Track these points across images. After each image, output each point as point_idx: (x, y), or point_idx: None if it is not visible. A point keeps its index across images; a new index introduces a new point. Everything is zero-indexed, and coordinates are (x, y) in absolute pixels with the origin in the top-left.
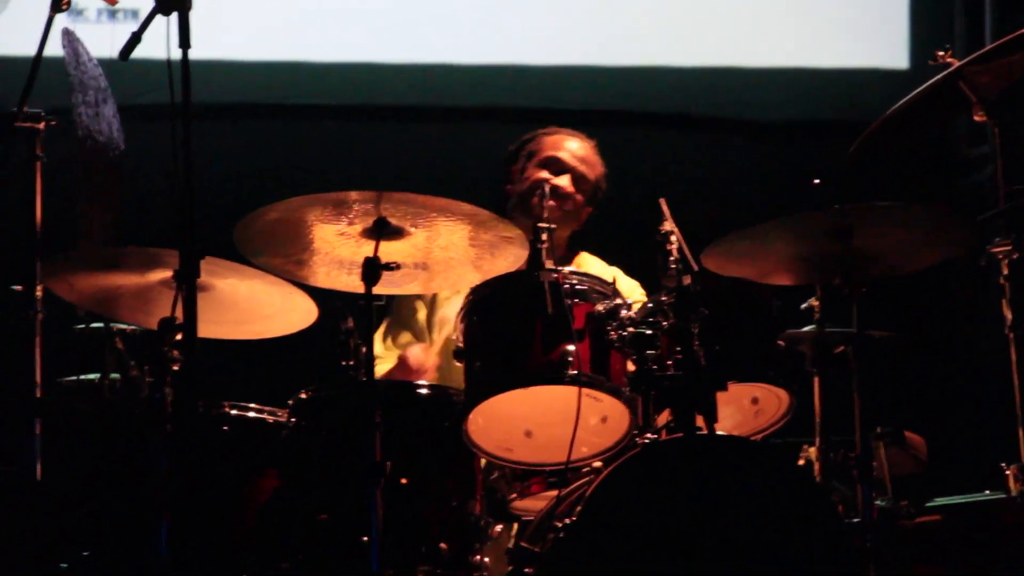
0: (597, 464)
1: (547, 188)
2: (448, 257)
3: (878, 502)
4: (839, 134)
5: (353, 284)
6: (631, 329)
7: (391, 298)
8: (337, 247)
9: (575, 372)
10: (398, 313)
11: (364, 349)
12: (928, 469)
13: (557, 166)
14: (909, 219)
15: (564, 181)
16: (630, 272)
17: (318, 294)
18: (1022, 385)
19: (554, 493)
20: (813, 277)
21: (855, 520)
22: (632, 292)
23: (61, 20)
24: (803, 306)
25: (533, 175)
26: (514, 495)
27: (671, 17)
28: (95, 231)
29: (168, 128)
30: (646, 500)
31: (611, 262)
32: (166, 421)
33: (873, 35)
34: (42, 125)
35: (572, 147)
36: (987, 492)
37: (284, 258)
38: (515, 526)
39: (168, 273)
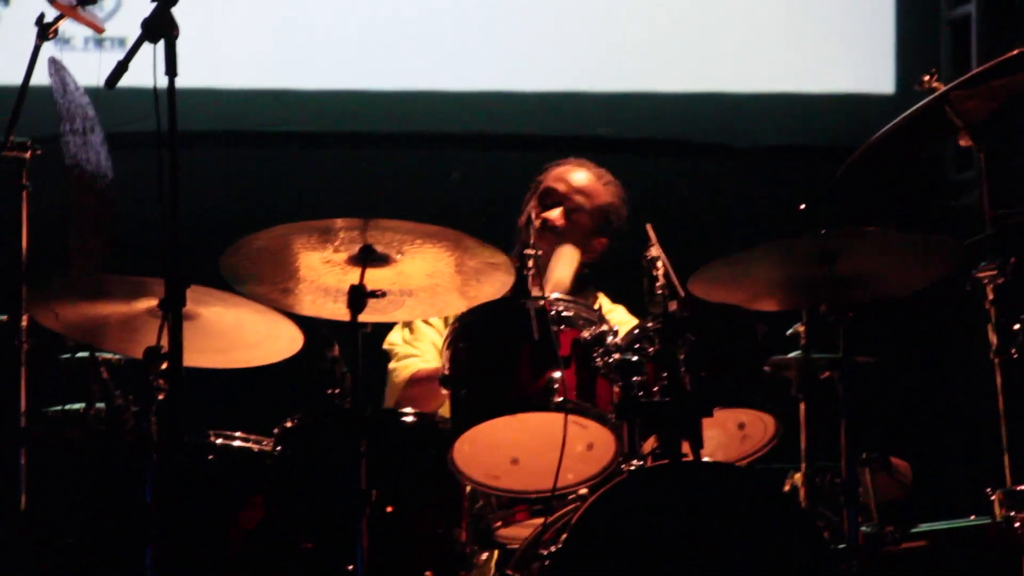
0: (583, 491)
1: (535, 223)
2: (434, 284)
3: (864, 527)
4: (825, 159)
5: (339, 312)
6: (617, 355)
7: None
8: (323, 275)
9: (561, 399)
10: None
11: (350, 377)
12: (914, 494)
13: (552, 198)
14: (895, 244)
15: (555, 214)
16: (616, 298)
17: (304, 322)
18: (1007, 410)
19: (540, 521)
20: (799, 302)
21: (841, 546)
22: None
23: (48, 49)
24: (789, 332)
25: (530, 209)
26: (499, 523)
27: (657, 43)
28: (84, 260)
29: (155, 156)
30: (632, 527)
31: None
32: (151, 450)
33: (859, 60)
34: (28, 154)
35: (572, 178)
36: (973, 517)
37: (270, 286)
38: (501, 554)
39: (154, 302)
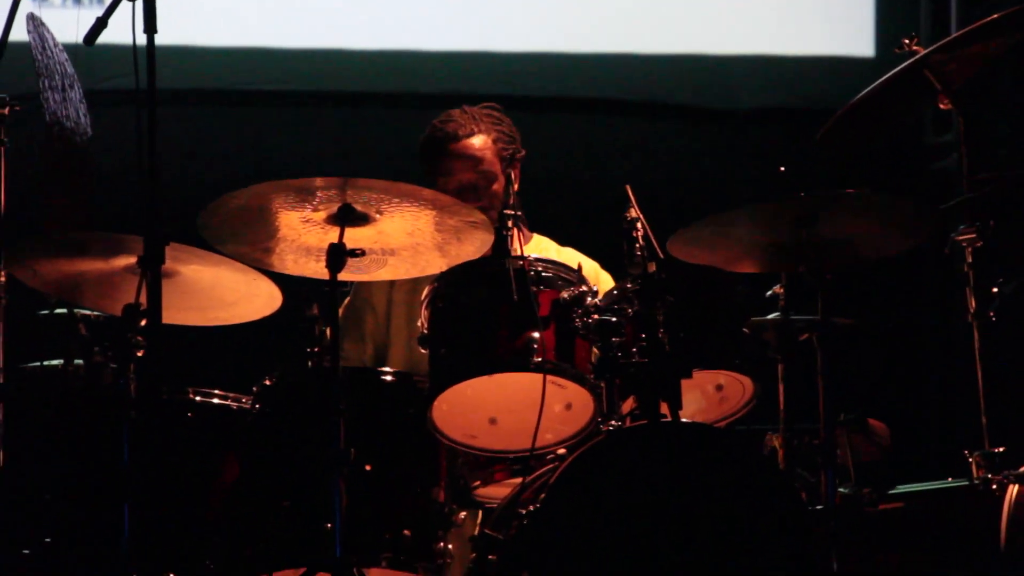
0: (561, 451)
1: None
2: (414, 243)
3: (841, 489)
4: (805, 122)
5: (321, 271)
6: (596, 316)
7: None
8: (303, 234)
9: (540, 359)
10: (356, 295)
11: (329, 335)
12: (891, 456)
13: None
14: (874, 207)
15: (473, 194)
16: (595, 259)
17: (283, 280)
18: (985, 372)
19: (518, 480)
20: (778, 265)
21: (819, 507)
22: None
23: (27, 5)
24: (768, 293)
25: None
26: (478, 482)
27: (637, 5)
28: (61, 217)
29: (133, 113)
30: (610, 487)
31: (574, 247)
32: (130, 407)
33: (839, 23)
34: (7, 110)
35: (465, 158)
36: (950, 479)
37: (250, 246)
38: (479, 513)
39: (132, 259)
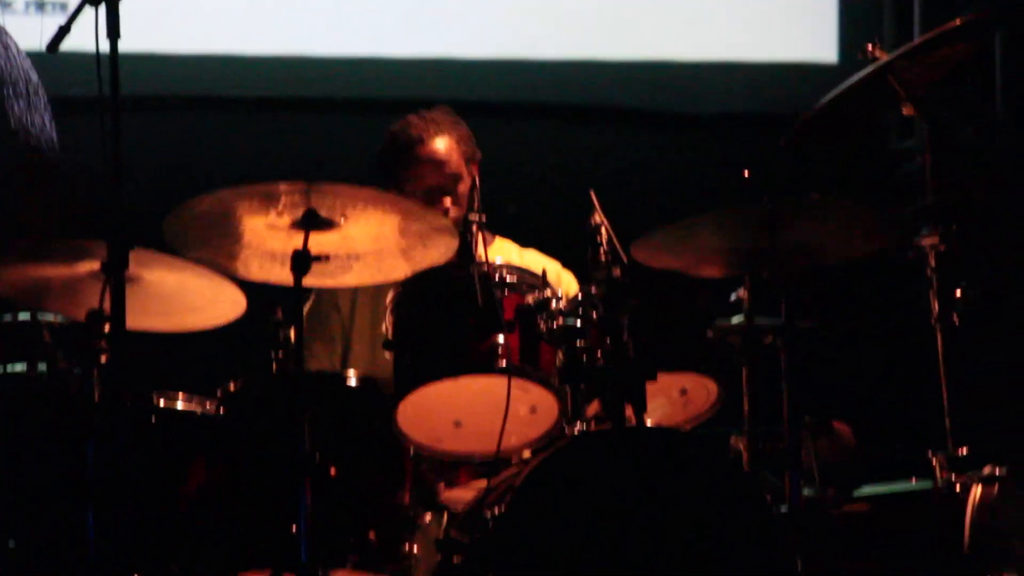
0: (526, 454)
1: (449, 212)
2: (380, 248)
3: (806, 491)
4: (769, 127)
5: (287, 277)
6: (560, 320)
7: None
8: (268, 239)
9: (505, 363)
10: (320, 297)
11: (293, 339)
12: (856, 458)
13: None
14: (838, 212)
15: (448, 202)
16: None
17: (248, 285)
18: (948, 375)
19: (483, 483)
20: (742, 269)
21: (783, 509)
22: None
23: None
24: (732, 297)
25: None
26: (443, 485)
27: (601, 12)
28: (27, 224)
29: (98, 120)
30: (575, 490)
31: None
32: (94, 413)
33: (802, 29)
34: None
35: (432, 161)
36: (914, 481)
37: (215, 251)
38: (444, 516)
39: (96, 264)
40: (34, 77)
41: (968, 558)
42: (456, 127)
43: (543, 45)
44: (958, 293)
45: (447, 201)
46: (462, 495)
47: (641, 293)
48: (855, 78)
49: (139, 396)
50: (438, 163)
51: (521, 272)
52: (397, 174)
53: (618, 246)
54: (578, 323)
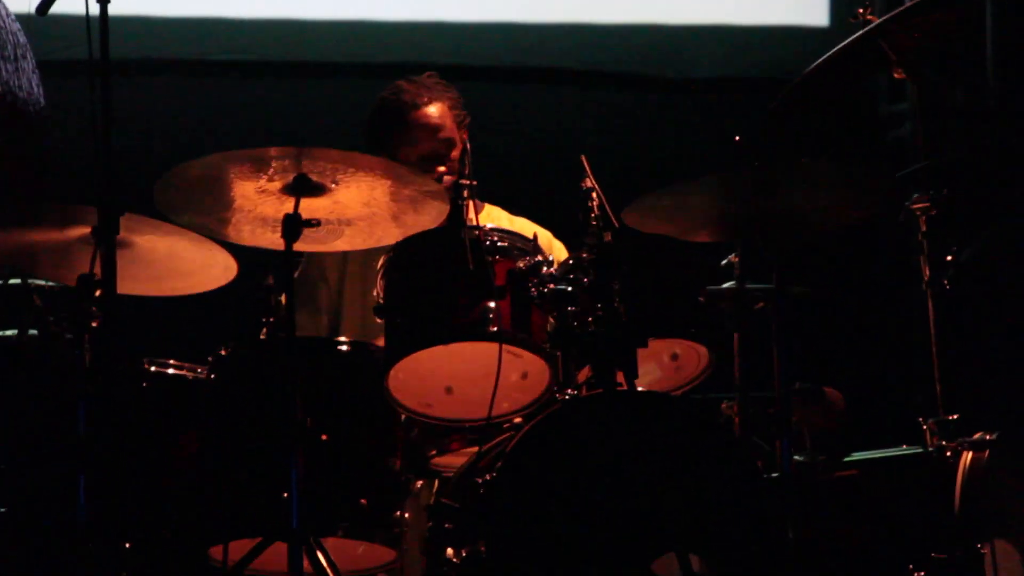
0: (518, 420)
1: (444, 180)
2: (371, 212)
3: (796, 457)
4: (760, 91)
5: (279, 242)
6: (552, 285)
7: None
8: (259, 204)
9: (496, 328)
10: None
11: (284, 305)
12: (846, 424)
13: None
14: (829, 176)
15: (443, 169)
16: (549, 230)
17: (240, 251)
18: (939, 340)
19: (474, 449)
20: (733, 234)
21: (774, 475)
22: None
23: None
24: (723, 262)
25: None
26: (434, 451)
27: None
28: (14, 188)
29: (87, 84)
30: (566, 456)
31: (526, 218)
32: (85, 378)
33: None
34: None
35: (427, 127)
36: (904, 447)
37: (206, 216)
38: (436, 482)
39: (87, 229)
40: (22, 39)
41: (959, 523)
42: (447, 92)
43: (533, 9)
44: (949, 258)
45: (441, 169)
46: (453, 461)
47: (632, 259)
48: (845, 42)
49: (130, 361)
50: (432, 129)
51: (512, 237)
52: (389, 140)
53: (609, 211)
54: (569, 288)
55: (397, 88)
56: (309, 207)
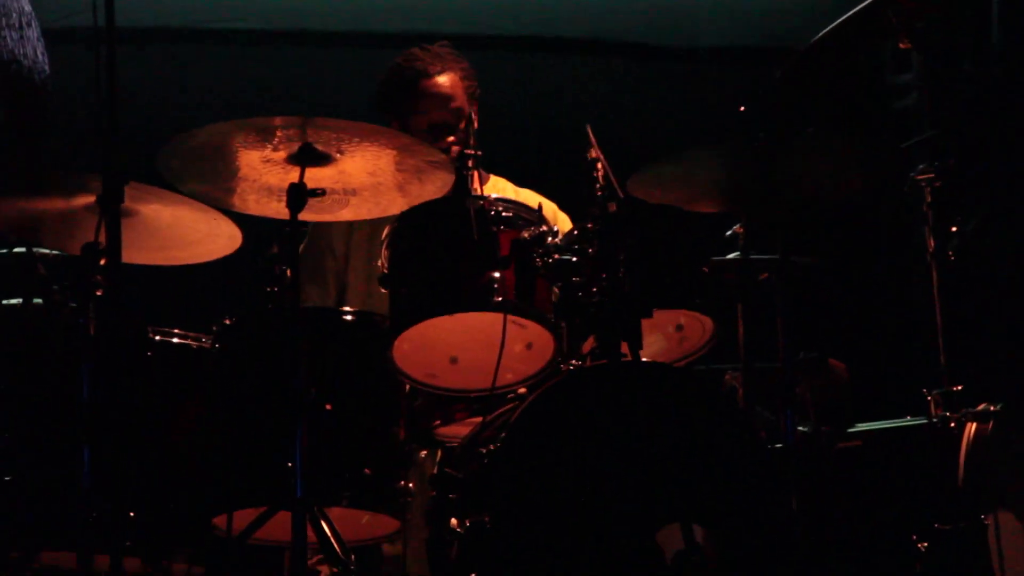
0: (522, 390)
1: (452, 152)
2: (376, 182)
3: (800, 428)
4: (765, 60)
5: (283, 211)
6: (556, 256)
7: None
8: (264, 174)
9: (500, 298)
10: (314, 238)
11: (289, 275)
12: (850, 395)
13: (440, 129)
14: (834, 146)
15: (452, 140)
16: (555, 199)
17: (245, 220)
18: (944, 311)
19: (478, 419)
20: (738, 204)
21: (778, 445)
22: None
23: None
24: (728, 233)
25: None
26: (438, 421)
27: None
28: (19, 156)
29: (92, 52)
30: (570, 426)
31: (532, 189)
32: (89, 346)
33: None
34: None
35: (438, 96)
36: (908, 418)
37: (211, 184)
38: (439, 452)
39: (91, 198)
40: (27, 8)
41: (962, 495)
42: (460, 63)
43: None
44: (953, 228)
45: (451, 139)
46: (457, 431)
47: (637, 229)
48: (851, 12)
49: (135, 330)
50: (444, 98)
51: (517, 207)
52: (400, 108)
53: (614, 181)
54: (574, 259)
55: (411, 55)
56: (314, 176)
